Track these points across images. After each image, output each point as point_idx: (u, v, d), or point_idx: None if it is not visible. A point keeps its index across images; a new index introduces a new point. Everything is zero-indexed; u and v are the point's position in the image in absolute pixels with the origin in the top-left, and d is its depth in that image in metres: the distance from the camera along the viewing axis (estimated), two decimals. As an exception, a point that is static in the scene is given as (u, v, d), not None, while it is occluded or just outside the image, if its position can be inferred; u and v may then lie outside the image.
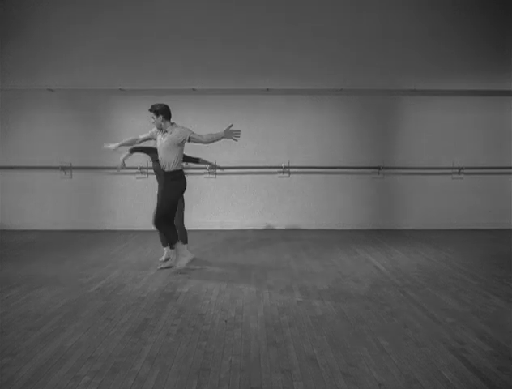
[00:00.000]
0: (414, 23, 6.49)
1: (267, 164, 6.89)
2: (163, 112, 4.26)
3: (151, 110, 4.28)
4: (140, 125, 6.80)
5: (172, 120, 4.33)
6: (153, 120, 4.29)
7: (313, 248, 5.59)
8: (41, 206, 6.87)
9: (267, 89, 6.64)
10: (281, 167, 6.89)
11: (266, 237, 6.37)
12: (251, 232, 6.67)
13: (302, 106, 6.87)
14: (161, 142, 4.32)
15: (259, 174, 6.93)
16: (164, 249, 4.77)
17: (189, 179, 6.55)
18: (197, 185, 6.81)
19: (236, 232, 6.72)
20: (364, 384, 2.29)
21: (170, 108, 4.30)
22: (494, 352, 2.65)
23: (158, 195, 4.56)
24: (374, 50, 6.46)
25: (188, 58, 6.37)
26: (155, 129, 4.40)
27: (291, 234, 6.56)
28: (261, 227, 6.98)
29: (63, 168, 6.82)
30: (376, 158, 6.93)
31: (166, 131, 4.30)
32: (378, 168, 6.91)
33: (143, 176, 6.71)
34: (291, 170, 6.93)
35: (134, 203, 6.72)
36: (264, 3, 6.39)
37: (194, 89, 6.62)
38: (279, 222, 7.00)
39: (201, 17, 6.39)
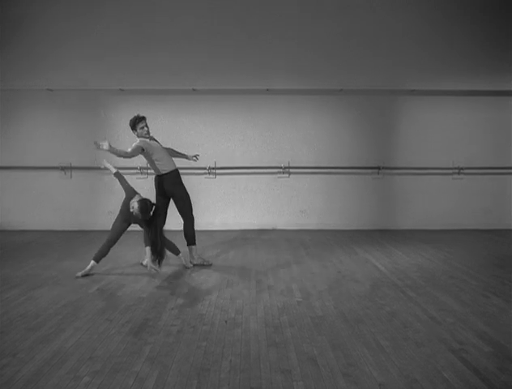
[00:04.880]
0: (414, 23, 6.49)
1: (267, 164, 6.89)
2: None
3: (143, 118, 4.47)
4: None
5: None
6: (146, 129, 4.49)
7: (313, 248, 5.59)
8: (41, 206, 6.87)
9: (267, 89, 6.64)
10: (281, 167, 6.89)
11: (266, 237, 6.37)
12: (251, 232, 6.67)
13: (302, 106, 6.87)
14: (158, 145, 4.58)
15: (259, 174, 6.93)
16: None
17: (189, 179, 6.59)
18: (197, 186, 6.81)
19: (236, 232, 6.73)
20: (364, 384, 2.29)
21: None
22: (494, 352, 2.65)
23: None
24: (374, 50, 6.46)
25: (188, 58, 6.38)
26: (144, 139, 4.47)
27: (291, 234, 6.56)
28: (261, 227, 6.98)
29: (63, 168, 6.82)
30: (376, 158, 6.93)
31: (153, 138, 4.60)
32: (378, 168, 6.91)
33: (143, 176, 6.71)
34: (291, 170, 6.93)
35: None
36: (264, 3, 6.39)
37: (194, 89, 6.63)
38: (279, 222, 7.00)
39: (201, 17, 6.39)
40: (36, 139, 6.82)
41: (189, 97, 6.78)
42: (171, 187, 4.58)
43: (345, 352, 2.64)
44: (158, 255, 4.15)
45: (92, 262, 4.26)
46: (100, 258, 4.27)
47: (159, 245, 4.13)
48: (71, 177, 6.90)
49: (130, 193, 4.28)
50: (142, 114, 4.53)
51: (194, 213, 4.73)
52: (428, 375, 2.38)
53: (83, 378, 2.34)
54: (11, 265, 4.68)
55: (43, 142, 6.82)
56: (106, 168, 4.50)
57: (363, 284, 4.04)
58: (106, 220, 6.89)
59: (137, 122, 4.44)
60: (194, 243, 4.71)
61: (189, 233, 4.68)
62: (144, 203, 4.10)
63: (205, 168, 6.82)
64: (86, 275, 4.24)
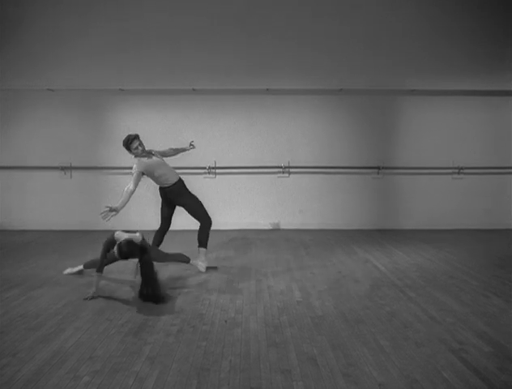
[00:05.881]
0: (414, 22, 6.47)
1: (267, 164, 6.89)
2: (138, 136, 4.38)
3: (135, 138, 4.28)
4: (140, 125, 6.82)
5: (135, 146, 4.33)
6: (141, 148, 4.30)
7: (313, 248, 5.59)
8: (41, 206, 6.87)
9: (267, 89, 6.64)
10: (281, 167, 6.89)
11: (266, 237, 6.37)
12: (251, 232, 6.67)
13: (302, 106, 6.87)
14: (157, 160, 4.45)
15: (259, 174, 6.93)
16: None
17: (189, 179, 6.57)
18: (196, 186, 6.80)
19: (236, 232, 6.72)
20: (364, 384, 2.29)
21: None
22: (494, 352, 2.65)
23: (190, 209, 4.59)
24: (374, 50, 6.45)
25: (188, 58, 6.37)
26: (141, 160, 4.29)
27: (291, 234, 6.56)
28: (261, 227, 6.98)
29: (63, 168, 6.83)
30: (376, 158, 6.93)
31: (149, 152, 4.43)
32: (378, 168, 6.91)
33: (143, 176, 6.70)
34: (291, 170, 6.93)
35: (134, 203, 6.71)
36: (264, 3, 6.39)
37: (194, 89, 6.63)
38: (279, 222, 7.00)
39: (201, 17, 6.38)
40: (36, 139, 6.81)
41: (189, 97, 6.78)
42: (178, 199, 4.55)
43: (345, 352, 2.64)
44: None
45: (82, 267, 4.29)
46: (89, 268, 4.20)
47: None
48: (71, 177, 6.90)
49: (114, 242, 3.65)
50: (133, 133, 4.35)
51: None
52: (428, 375, 2.38)
53: (83, 378, 2.35)
54: (11, 265, 4.68)
55: (43, 142, 6.82)
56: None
57: (363, 284, 4.04)
58: (106, 219, 6.91)
59: (129, 143, 4.28)
60: (203, 246, 4.59)
61: (202, 236, 4.59)
62: (126, 246, 3.48)
63: (205, 168, 6.82)
64: (72, 273, 4.32)
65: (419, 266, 4.69)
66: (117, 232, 3.69)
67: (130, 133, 4.40)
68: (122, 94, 6.75)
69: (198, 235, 4.61)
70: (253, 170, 6.91)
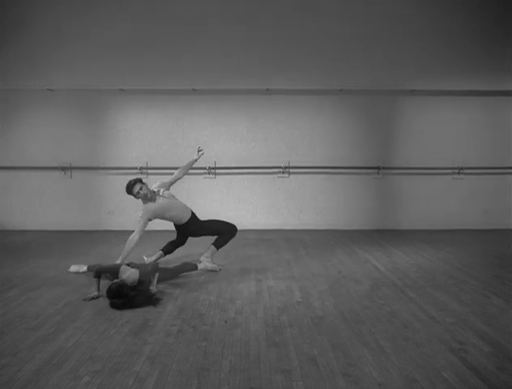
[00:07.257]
0: (414, 22, 6.47)
1: (267, 164, 6.89)
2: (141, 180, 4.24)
3: (135, 182, 4.16)
4: (140, 125, 6.83)
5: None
6: (143, 192, 4.14)
7: (313, 248, 5.59)
8: (41, 206, 6.87)
9: (267, 89, 6.64)
10: (281, 167, 6.89)
11: (266, 237, 6.37)
12: (251, 232, 6.67)
13: (302, 106, 6.87)
14: (165, 202, 4.30)
15: (259, 174, 6.93)
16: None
17: (189, 179, 6.60)
18: (196, 186, 6.82)
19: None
20: (364, 384, 2.29)
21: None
22: (494, 352, 2.65)
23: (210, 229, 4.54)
24: (374, 50, 6.45)
25: (188, 58, 6.37)
26: (148, 206, 4.17)
27: (291, 234, 6.56)
28: (261, 227, 6.98)
29: (63, 169, 6.82)
30: (376, 158, 6.93)
31: (155, 194, 4.28)
32: (378, 168, 6.91)
33: (143, 176, 6.71)
34: (291, 170, 6.93)
35: (134, 202, 6.71)
36: (264, 3, 6.39)
37: (194, 89, 6.63)
38: (279, 222, 7.00)
39: (201, 17, 6.39)
40: (36, 139, 6.81)
41: (189, 97, 6.78)
42: (197, 231, 4.49)
43: (345, 352, 2.64)
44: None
45: (85, 268, 4.37)
46: (92, 271, 4.16)
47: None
48: (71, 177, 6.90)
49: (117, 271, 3.69)
50: (133, 179, 4.24)
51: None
52: (428, 375, 2.38)
53: (83, 378, 2.35)
54: (11, 265, 4.68)
55: (43, 142, 6.82)
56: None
57: (363, 284, 4.04)
58: (106, 219, 6.91)
59: (130, 190, 4.16)
60: (216, 247, 4.54)
61: (221, 239, 4.54)
62: (116, 289, 3.47)
63: (205, 168, 6.82)
64: (76, 273, 4.36)
65: (419, 266, 4.69)
66: (124, 267, 3.69)
67: (130, 178, 4.28)
68: (122, 94, 6.75)
69: (219, 237, 4.57)
70: (254, 170, 6.91)
